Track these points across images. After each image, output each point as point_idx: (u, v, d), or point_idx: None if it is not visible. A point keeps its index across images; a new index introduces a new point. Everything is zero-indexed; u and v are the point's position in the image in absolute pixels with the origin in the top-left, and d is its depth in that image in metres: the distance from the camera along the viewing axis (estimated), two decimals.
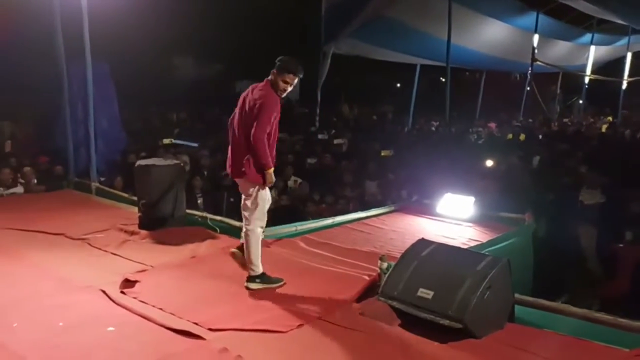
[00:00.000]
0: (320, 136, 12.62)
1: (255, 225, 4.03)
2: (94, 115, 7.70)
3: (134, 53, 12.59)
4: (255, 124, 3.85)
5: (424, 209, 6.62)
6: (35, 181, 7.64)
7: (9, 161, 8.04)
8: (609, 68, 21.65)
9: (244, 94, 4.09)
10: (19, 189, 7.37)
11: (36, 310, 3.56)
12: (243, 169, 3.96)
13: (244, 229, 4.09)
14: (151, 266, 4.46)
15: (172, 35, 14.50)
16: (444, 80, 11.78)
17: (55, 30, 7.52)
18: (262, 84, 4.01)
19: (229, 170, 4.19)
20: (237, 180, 4.14)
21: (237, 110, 4.10)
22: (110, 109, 8.94)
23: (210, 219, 5.70)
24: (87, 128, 7.71)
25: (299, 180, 8.60)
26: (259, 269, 4.04)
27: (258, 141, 3.85)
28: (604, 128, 16.36)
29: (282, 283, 4.08)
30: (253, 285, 4.00)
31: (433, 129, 16.22)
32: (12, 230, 5.45)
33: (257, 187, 3.99)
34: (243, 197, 4.12)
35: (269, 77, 3.99)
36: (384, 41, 13.78)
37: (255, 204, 4.02)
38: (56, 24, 7.49)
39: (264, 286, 4.00)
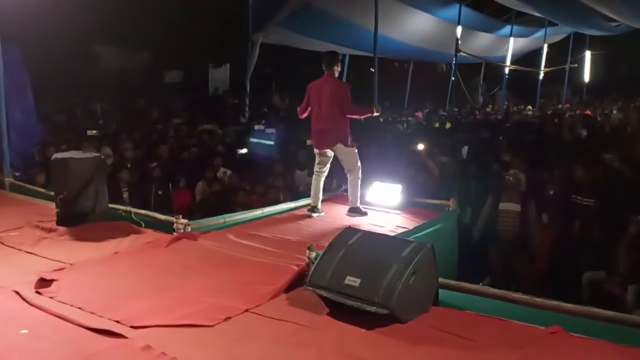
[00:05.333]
0: (256, 127, 12.50)
1: (357, 171, 5.87)
2: (6, 106, 7.24)
3: (50, 40, 11.92)
4: (344, 105, 5.65)
5: None
6: None
7: None
8: (528, 59, 22.68)
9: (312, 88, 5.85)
10: None
11: None
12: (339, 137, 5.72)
13: (349, 177, 5.94)
14: (70, 264, 4.24)
15: (94, 21, 13.86)
16: (373, 70, 11.92)
17: None
18: (326, 79, 5.74)
19: (321, 145, 5.86)
20: (332, 149, 5.81)
21: (314, 99, 5.79)
22: (23, 99, 8.43)
23: (135, 213, 5.50)
24: None
25: (228, 172, 8.48)
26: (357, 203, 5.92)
27: (354, 112, 5.84)
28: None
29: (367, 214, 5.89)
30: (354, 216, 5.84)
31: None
32: None
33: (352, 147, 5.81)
34: (340, 160, 5.93)
35: (331, 73, 5.73)
36: (312, 31, 13.76)
37: (352, 157, 5.85)
38: None
39: (358, 215, 5.85)
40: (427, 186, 7.35)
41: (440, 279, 3.68)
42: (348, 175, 5.94)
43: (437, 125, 14.16)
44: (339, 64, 5.84)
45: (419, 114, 18.39)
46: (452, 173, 8.26)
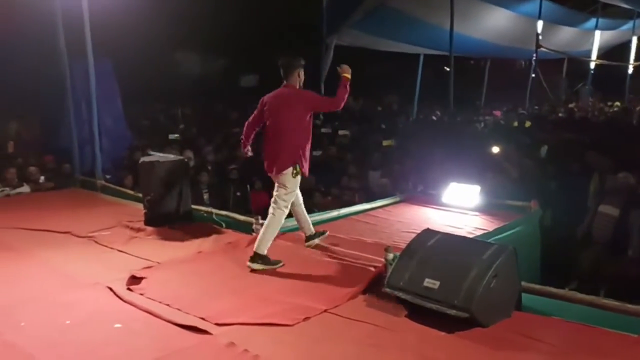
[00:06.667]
0: (323, 130, 12.60)
1: (285, 209, 4.51)
2: (98, 114, 7.73)
3: (136, 49, 12.60)
4: (319, 106, 4.71)
5: (429, 199, 6.60)
6: (43, 179, 7.71)
7: (15, 161, 8.08)
8: (615, 53, 21.47)
9: (269, 101, 4.59)
10: (25, 188, 7.41)
11: (43, 309, 3.59)
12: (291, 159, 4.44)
13: (272, 211, 4.49)
14: (157, 262, 4.47)
15: (174, 30, 14.50)
16: (448, 69, 11.70)
17: (57, 29, 7.53)
18: (285, 89, 4.55)
19: (271, 169, 4.56)
20: (279, 175, 4.49)
21: (269, 116, 4.56)
22: (113, 106, 8.96)
23: (216, 214, 5.71)
24: (91, 127, 7.74)
25: None
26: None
27: (338, 101, 4.46)
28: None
29: (281, 264, 4.38)
30: (255, 266, 4.33)
31: (434, 118, 16.23)
32: (20, 229, 5.48)
33: (297, 176, 4.47)
34: (278, 187, 4.52)
35: (291, 83, 4.53)
36: (386, 32, 13.68)
37: (292, 190, 4.50)
38: (57, 23, 7.50)
39: (263, 265, 4.33)
40: (506, 187, 7.13)
41: (523, 283, 3.58)
42: (272, 207, 4.51)
43: (516, 124, 13.69)
44: (302, 70, 4.58)
45: (497, 113, 17.85)
46: (532, 174, 7.97)
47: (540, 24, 15.14)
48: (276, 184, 4.56)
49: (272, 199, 4.54)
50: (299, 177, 4.51)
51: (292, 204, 4.66)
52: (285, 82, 4.57)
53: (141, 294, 3.82)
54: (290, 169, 4.45)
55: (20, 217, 5.85)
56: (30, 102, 10.45)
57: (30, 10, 7.95)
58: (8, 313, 3.50)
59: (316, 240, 4.82)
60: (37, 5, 7.81)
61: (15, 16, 9.06)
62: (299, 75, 4.55)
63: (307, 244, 4.81)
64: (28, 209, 6.30)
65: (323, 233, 4.92)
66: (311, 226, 4.85)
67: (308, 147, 4.55)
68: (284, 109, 4.48)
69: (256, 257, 4.32)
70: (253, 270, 4.27)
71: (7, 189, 7.23)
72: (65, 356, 2.97)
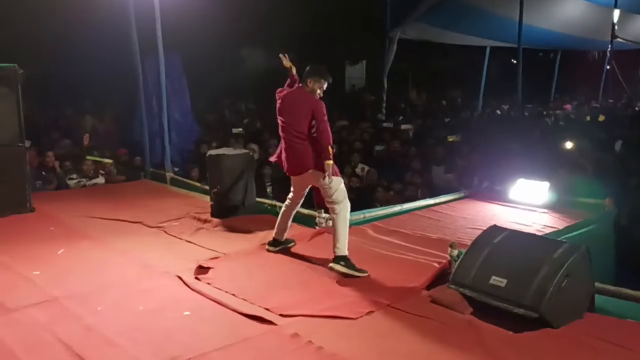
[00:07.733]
0: (385, 124, 12.52)
1: (345, 203, 4.23)
2: (167, 108, 8.00)
3: (203, 46, 12.94)
4: (319, 128, 4.16)
5: (495, 195, 6.43)
6: (116, 171, 8.07)
7: (91, 154, 8.48)
8: None
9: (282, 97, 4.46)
10: (100, 180, 7.78)
11: (119, 295, 3.75)
12: (310, 162, 4.21)
13: (332, 214, 4.24)
14: (224, 253, 4.59)
15: (240, 26, 14.76)
16: (515, 62, 11.34)
17: (130, 27, 7.84)
18: (299, 90, 4.36)
19: (289, 170, 4.43)
20: (302, 175, 4.35)
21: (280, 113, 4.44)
22: (182, 101, 9.24)
23: (280, 207, 5.77)
24: (161, 121, 8.02)
25: (367, 168, 8.57)
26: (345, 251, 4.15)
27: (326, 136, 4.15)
28: None
29: (366, 274, 4.05)
30: (338, 267, 4.08)
31: (498, 112, 15.81)
32: (96, 219, 5.76)
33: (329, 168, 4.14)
34: (321, 189, 4.26)
35: (306, 85, 4.31)
36: (452, 24, 13.42)
37: (336, 185, 4.20)
38: (131, 21, 7.81)
39: (347, 271, 4.04)
40: (579, 184, 6.86)
41: (597, 284, 3.43)
42: (330, 209, 4.28)
43: (588, 118, 13.13)
44: (314, 81, 4.30)
45: (568, 107, 17.17)
46: (607, 170, 7.62)
47: (616, 13, 14.39)
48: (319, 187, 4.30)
49: (327, 204, 4.28)
50: (335, 167, 4.21)
51: (289, 205, 4.58)
52: (301, 84, 4.38)
53: (208, 284, 3.93)
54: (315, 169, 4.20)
55: (96, 207, 6.15)
56: (105, 97, 10.99)
57: (105, 9, 8.31)
58: (87, 299, 3.68)
59: (277, 248, 4.59)
60: (111, 4, 8.16)
61: (91, 15, 9.52)
62: (307, 84, 4.30)
63: (269, 247, 4.62)
64: (102, 200, 6.59)
65: (291, 241, 4.69)
66: (285, 234, 4.64)
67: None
68: (296, 110, 4.30)
69: (338, 259, 4.10)
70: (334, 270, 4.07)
71: (84, 179, 7.62)
72: (139, 341, 3.10)
